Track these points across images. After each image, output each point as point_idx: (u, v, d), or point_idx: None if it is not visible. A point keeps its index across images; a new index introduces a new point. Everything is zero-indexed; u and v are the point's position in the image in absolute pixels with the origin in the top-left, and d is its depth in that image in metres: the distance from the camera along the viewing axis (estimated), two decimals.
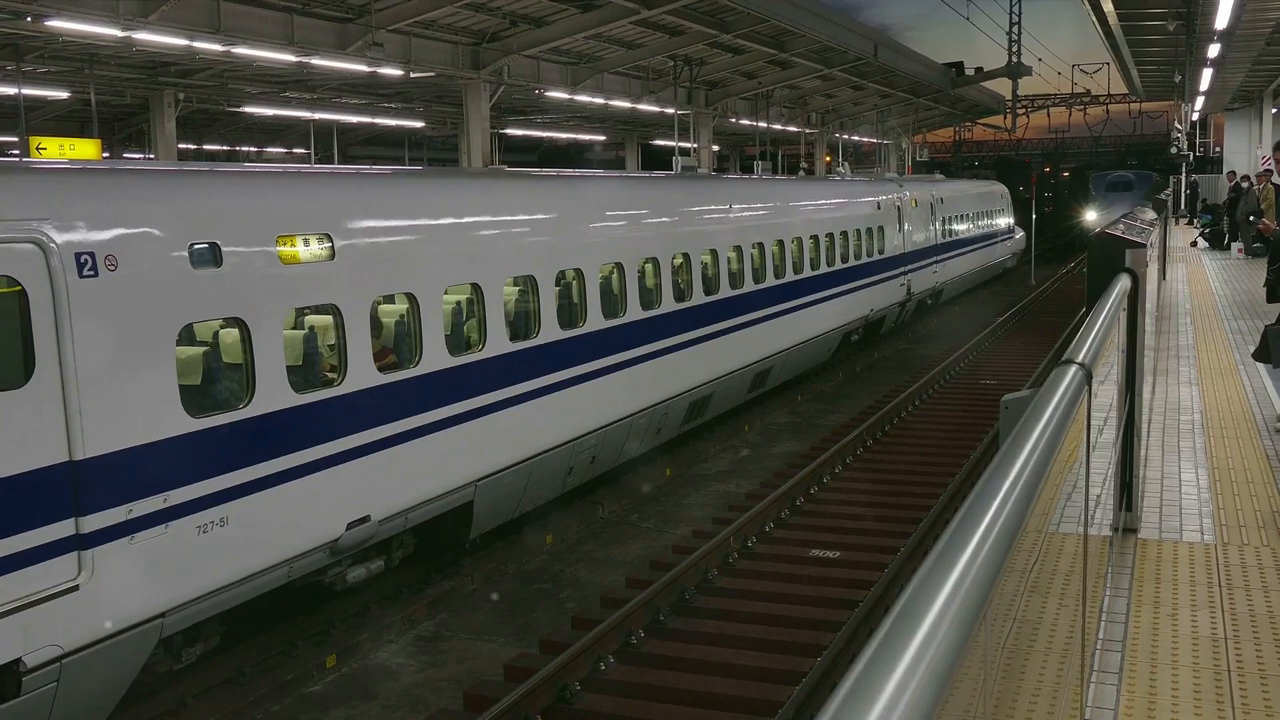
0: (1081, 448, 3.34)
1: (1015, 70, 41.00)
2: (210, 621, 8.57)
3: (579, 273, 12.89)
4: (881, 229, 25.17)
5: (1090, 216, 49.84)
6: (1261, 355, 9.55)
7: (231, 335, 8.67)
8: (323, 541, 9.19)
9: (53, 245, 7.04)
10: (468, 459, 10.91)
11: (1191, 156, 44.14)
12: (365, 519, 9.55)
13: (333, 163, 33.63)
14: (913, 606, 1.28)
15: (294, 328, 9.62)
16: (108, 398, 7.30)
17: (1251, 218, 23.76)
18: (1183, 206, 39.96)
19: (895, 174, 41.30)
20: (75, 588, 7.10)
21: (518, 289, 12.15)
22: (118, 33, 16.23)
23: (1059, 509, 2.97)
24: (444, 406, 10.51)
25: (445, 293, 10.77)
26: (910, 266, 27.58)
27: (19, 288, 6.89)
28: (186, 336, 8.19)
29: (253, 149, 42.03)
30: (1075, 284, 38.55)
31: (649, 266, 14.63)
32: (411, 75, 21.83)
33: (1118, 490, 5.71)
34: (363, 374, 9.57)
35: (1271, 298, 11.31)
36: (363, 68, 20.43)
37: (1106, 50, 31.81)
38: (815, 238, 20.80)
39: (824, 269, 21.12)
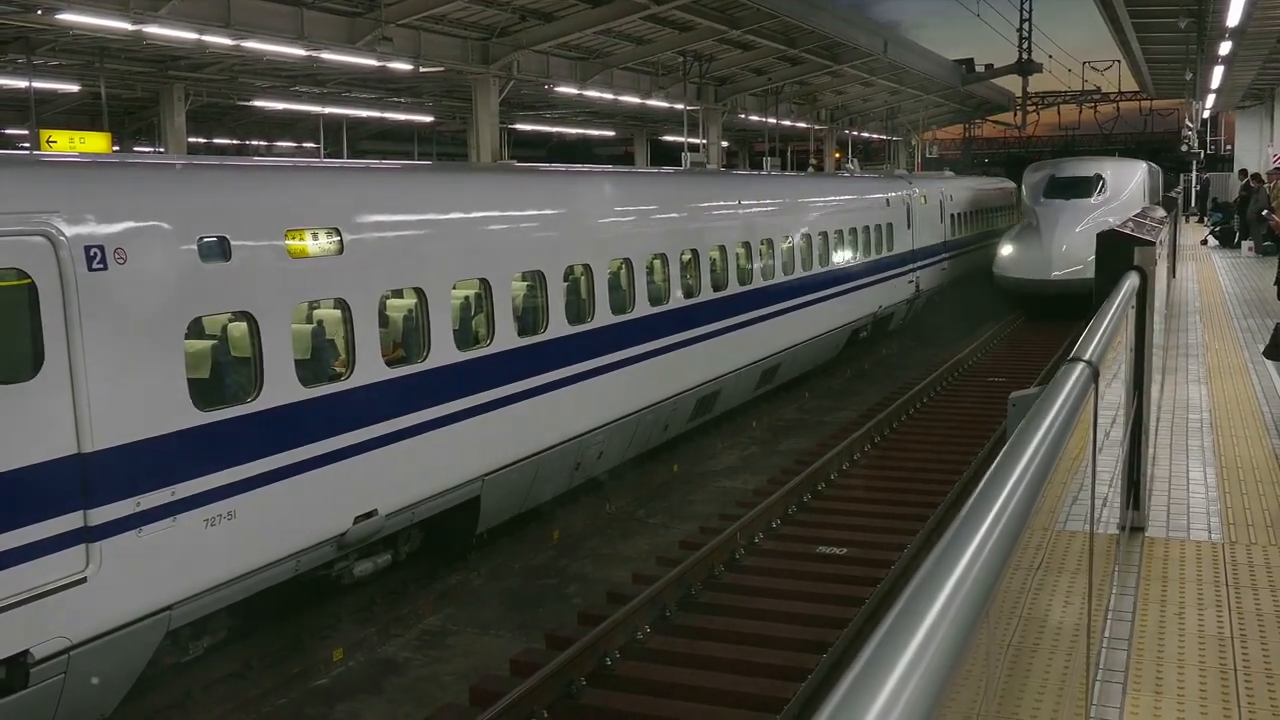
0: (1088, 445, 3.33)
1: (1026, 67, 40.99)
2: (217, 615, 8.58)
3: (587, 268, 12.89)
4: (890, 226, 25.13)
5: (1004, 251, 28.83)
6: (1272, 353, 9.53)
7: (240, 329, 8.68)
8: (330, 536, 9.21)
9: (62, 238, 7.05)
10: (475, 454, 10.91)
11: (1202, 154, 43.90)
12: (372, 513, 9.56)
13: (342, 157, 33.68)
14: (915, 604, 1.28)
15: (302, 322, 9.63)
16: (116, 391, 7.31)
17: (1265, 212, 23.73)
18: (1193, 204, 39.82)
19: (904, 170, 41.25)
20: (83, 580, 7.12)
21: (526, 284, 12.16)
22: (128, 26, 16.27)
23: (1066, 507, 2.97)
24: (451, 401, 10.51)
25: (453, 288, 10.77)
26: (919, 264, 27.52)
27: (28, 280, 6.90)
28: (195, 330, 8.20)
29: (262, 143, 42.10)
30: None
31: (657, 262, 14.62)
32: (421, 70, 21.85)
33: (1125, 488, 5.69)
34: (370, 368, 9.58)
35: None
36: (372, 62, 20.46)
37: (1117, 47, 31.70)
38: (824, 234, 20.77)
39: (832, 266, 21.09)
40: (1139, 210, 24.55)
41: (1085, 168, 29.79)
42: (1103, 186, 28.82)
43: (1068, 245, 27.02)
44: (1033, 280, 27.34)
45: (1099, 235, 7.05)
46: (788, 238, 18.97)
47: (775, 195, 19.48)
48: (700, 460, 16.34)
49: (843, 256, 21.79)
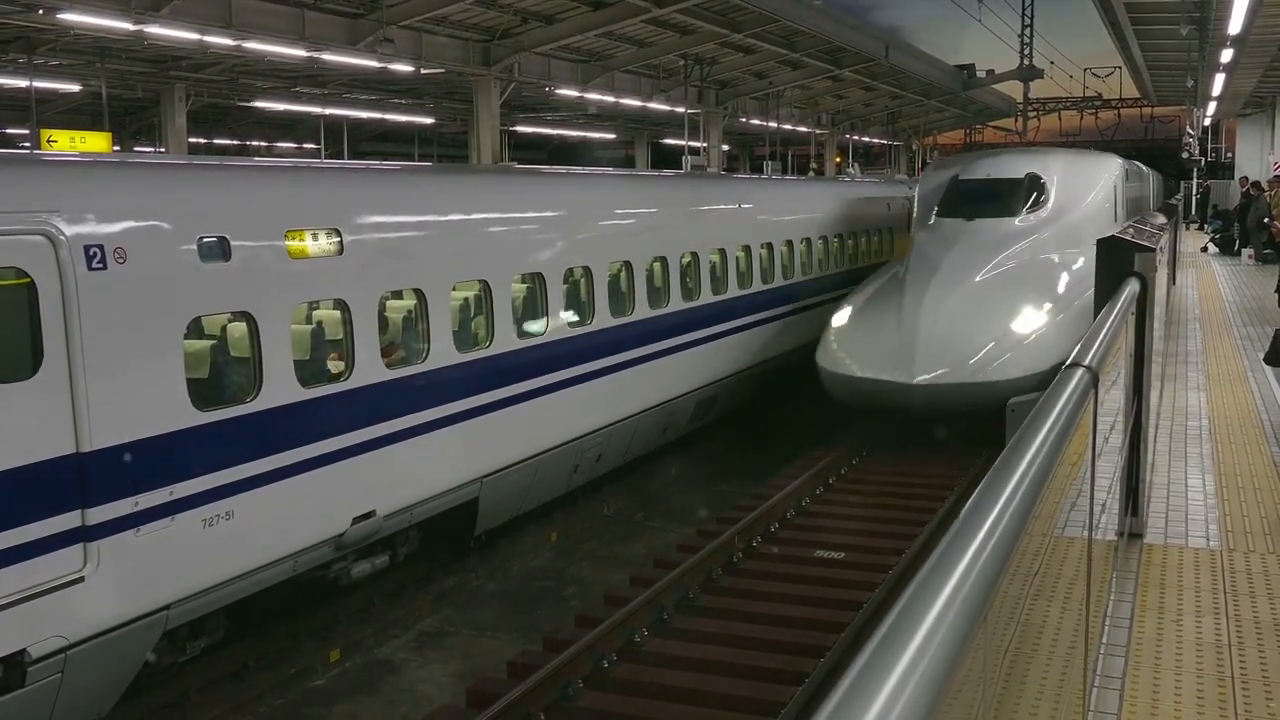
0: (1087, 451, 3.33)
1: (1027, 73, 40.93)
2: (214, 615, 8.58)
3: (587, 271, 12.88)
4: (891, 231, 25.11)
5: (837, 323, 15.79)
6: (1272, 359, 9.55)
7: (239, 329, 8.68)
8: (328, 536, 9.20)
9: (62, 237, 7.05)
10: (473, 456, 10.91)
11: (1203, 162, 43.92)
12: (370, 514, 9.55)
13: (343, 158, 33.71)
14: (912, 609, 1.28)
15: (302, 322, 9.63)
16: (115, 390, 7.31)
17: (1265, 220, 23.75)
18: (1193, 211, 39.87)
19: (905, 175, 41.23)
20: (81, 579, 7.12)
21: (525, 286, 12.15)
22: (129, 26, 16.27)
23: (1064, 513, 2.97)
24: (450, 403, 10.51)
25: (453, 289, 10.77)
26: None
27: (28, 279, 6.90)
28: (194, 330, 8.19)
29: (263, 144, 42.11)
30: None
31: (657, 265, 14.61)
32: (422, 71, 21.85)
33: (1124, 495, 5.69)
34: (369, 369, 9.57)
35: None
36: (373, 63, 20.45)
37: (1119, 54, 31.72)
38: (824, 238, 20.77)
39: (833, 270, 21.08)
40: (1101, 237, 16.28)
41: (1011, 165, 17.88)
42: (1040, 197, 17.00)
43: (953, 316, 14.48)
44: (878, 383, 14.26)
45: (1100, 243, 6.77)
46: (788, 242, 18.94)
47: (775, 199, 19.48)
48: (700, 463, 16.32)
49: (843, 261, 21.75)
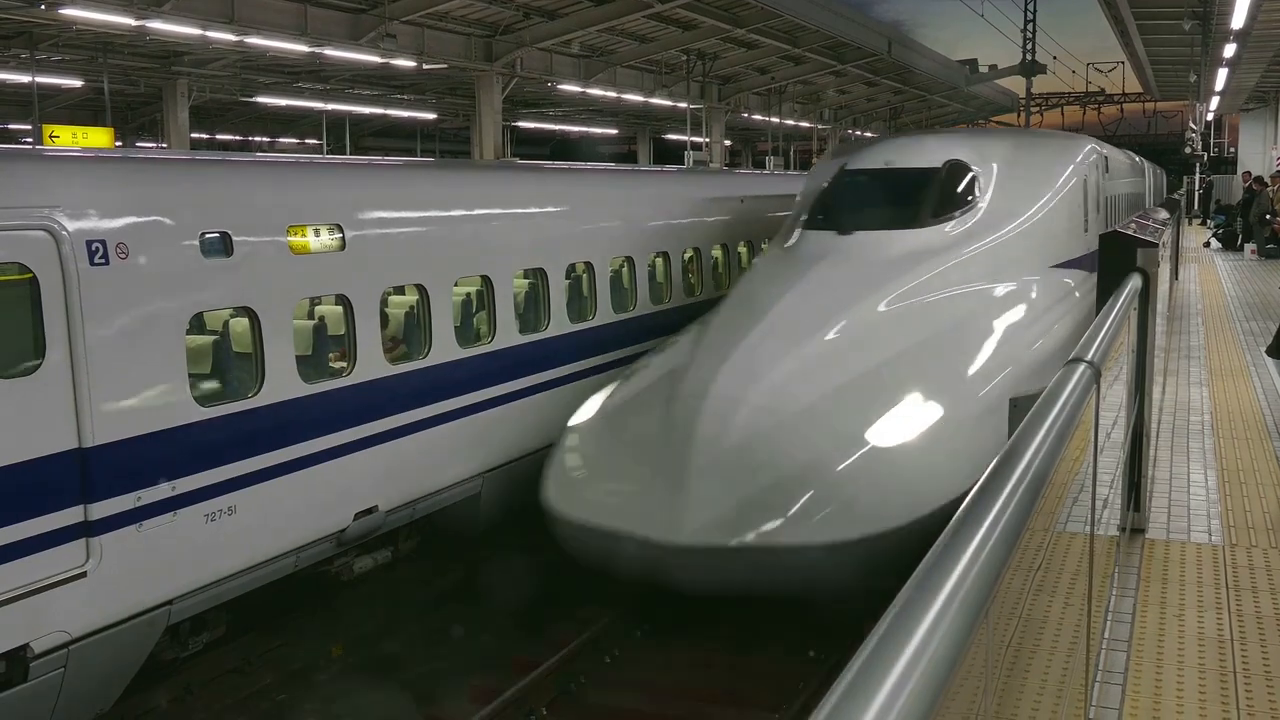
0: (1089, 447, 3.33)
1: (1030, 68, 40.89)
2: (217, 610, 8.58)
3: (589, 266, 12.87)
4: None
5: (578, 420, 9.85)
6: (1275, 351, 9.55)
7: (241, 324, 8.68)
8: (330, 532, 9.20)
9: (64, 233, 7.05)
10: (476, 451, 10.90)
11: (1206, 157, 43.88)
12: (373, 510, 9.56)
13: (345, 154, 33.70)
14: (914, 604, 1.28)
15: (304, 318, 9.62)
16: (117, 386, 7.31)
17: (1269, 215, 23.75)
18: (1196, 207, 39.86)
19: None
20: (83, 574, 7.13)
21: (528, 282, 12.14)
22: (131, 21, 16.28)
23: (1066, 508, 2.97)
24: (453, 398, 10.51)
25: (455, 284, 10.76)
26: None
27: (30, 275, 6.90)
28: (196, 325, 8.19)
29: (265, 139, 42.13)
30: None
31: (659, 261, 14.60)
32: (424, 67, 21.87)
33: (1126, 490, 5.69)
34: (372, 365, 9.57)
35: None
36: (376, 59, 20.47)
37: (1121, 49, 31.68)
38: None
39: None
40: (1074, 255, 11.71)
41: (927, 150, 11.89)
42: (966, 196, 11.16)
43: (769, 413, 8.29)
44: (624, 541, 8.07)
45: (1102, 238, 6.69)
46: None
47: (773, 194, 19.44)
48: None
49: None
